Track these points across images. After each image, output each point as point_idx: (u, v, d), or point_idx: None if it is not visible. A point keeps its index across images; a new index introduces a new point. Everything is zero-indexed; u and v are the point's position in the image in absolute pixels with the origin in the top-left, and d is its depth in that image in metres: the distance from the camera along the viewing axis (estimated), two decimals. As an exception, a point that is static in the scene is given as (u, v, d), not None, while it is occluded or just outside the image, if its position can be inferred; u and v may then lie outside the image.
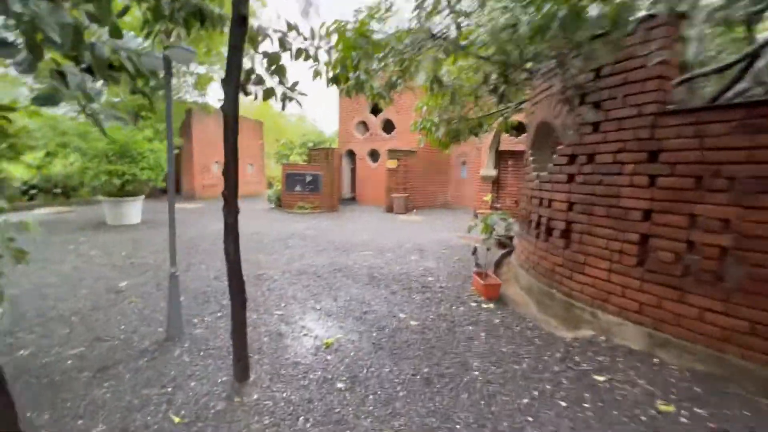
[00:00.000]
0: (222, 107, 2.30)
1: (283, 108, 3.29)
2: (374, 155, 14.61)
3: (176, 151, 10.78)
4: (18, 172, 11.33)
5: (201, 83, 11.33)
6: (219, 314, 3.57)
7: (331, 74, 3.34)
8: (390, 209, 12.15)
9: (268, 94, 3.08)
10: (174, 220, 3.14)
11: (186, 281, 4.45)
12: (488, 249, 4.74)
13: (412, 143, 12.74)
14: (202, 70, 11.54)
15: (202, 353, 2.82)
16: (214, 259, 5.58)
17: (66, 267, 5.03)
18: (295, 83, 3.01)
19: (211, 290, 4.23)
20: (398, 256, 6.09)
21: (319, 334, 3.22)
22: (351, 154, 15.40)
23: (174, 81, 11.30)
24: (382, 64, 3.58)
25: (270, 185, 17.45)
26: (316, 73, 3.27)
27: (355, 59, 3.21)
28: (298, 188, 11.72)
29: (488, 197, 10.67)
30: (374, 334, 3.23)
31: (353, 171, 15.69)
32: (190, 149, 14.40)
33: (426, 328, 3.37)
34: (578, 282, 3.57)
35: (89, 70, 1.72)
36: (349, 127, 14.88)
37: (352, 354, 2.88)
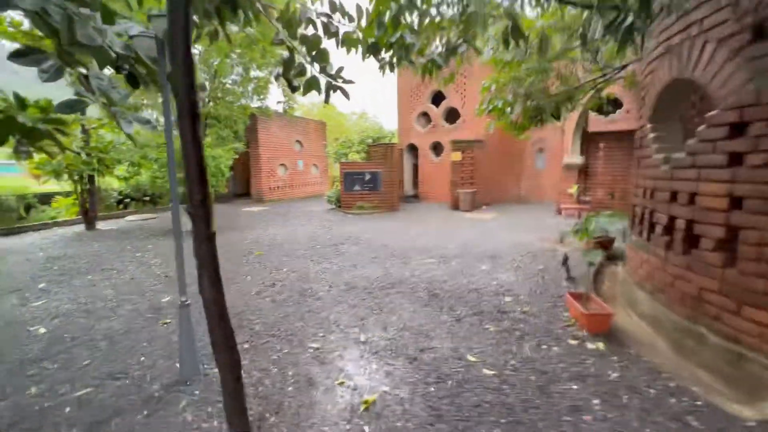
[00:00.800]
0: (169, 76, 1.60)
1: (327, 100, 2.64)
2: (437, 148, 13.54)
3: (235, 156, 10.99)
4: (115, 184, 12.70)
5: (259, 88, 11.44)
6: (246, 345, 3.01)
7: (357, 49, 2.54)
8: (455, 206, 11.03)
9: (311, 85, 2.44)
10: (180, 232, 2.62)
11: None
12: (591, 264, 3.51)
13: (479, 132, 11.43)
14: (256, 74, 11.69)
15: (210, 408, 2.23)
16: (263, 269, 5.20)
17: (125, 277, 5.03)
18: (340, 69, 2.37)
19: (248, 310, 3.75)
20: (466, 266, 5.09)
21: (359, 383, 2.45)
22: (412, 149, 14.53)
23: (237, 87, 11.60)
24: (434, 17, 2.64)
25: (333, 184, 17.41)
26: (351, 42, 2.50)
27: (394, 11, 2.34)
28: (356, 187, 11.23)
29: (573, 189, 8.97)
30: (431, 390, 2.35)
31: (415, 167, 14.80)
32: (257, 153, 14.87)
33: (506, 383, 2.40)
34: (754, 321, 2.27)
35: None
36: (410, 119, 14.01)
37: (398, 425, 2.05)
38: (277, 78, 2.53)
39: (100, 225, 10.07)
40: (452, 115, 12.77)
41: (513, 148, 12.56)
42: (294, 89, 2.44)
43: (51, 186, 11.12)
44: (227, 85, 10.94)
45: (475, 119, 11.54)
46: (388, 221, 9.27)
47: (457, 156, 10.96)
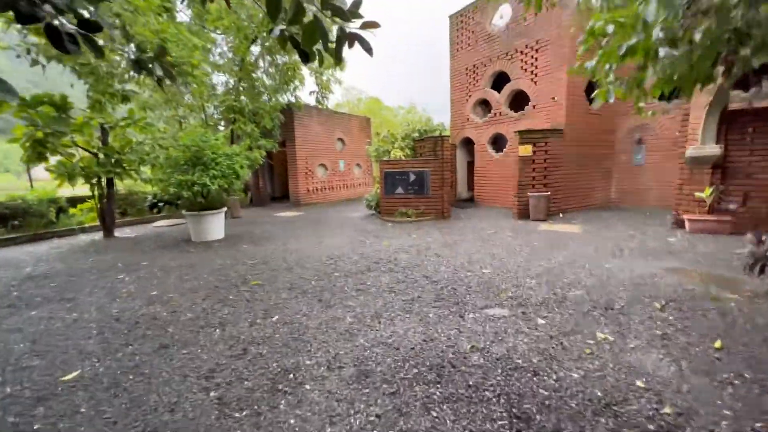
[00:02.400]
0: None
1: (339, 57, 1.73)
2: (498, 142, 11.21)
3: (262, 156, 9.73)
4: (148, 187, 12.20)
5: (287, 77, 10.05)
6: None
7: None
8: (523, 214, 8.70)
9: (311, 34, 1.56)
10: None
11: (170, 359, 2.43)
12: None
13: (554, 120, 8.97)
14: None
15: None
16: (248, 312, 3.56)
17: (72, 316, 3.69)
18: (356, 3, 1.58)
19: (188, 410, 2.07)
20: (565, 329, 2.98)
21: None
22: (467, 144, 12.33)
23: (263, 77, 10.34)
24: None
25: (375, 185, 15.73)
26: None
27: None
28: (399, 190, 9.38)
29: (707, 193, 6.24)
30: None
31: (470, 165, 12.57)
32: (293, 152, 13.68)
33: None
34: None
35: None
36: (464, 108, 11.82)
37: None
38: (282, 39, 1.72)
39: (125, 231, 9.36)
40: (519, 100, 10.38)
41: (600, 139, 9.83)
42: (306, 57, 1.73)
43: (84, 189, 10.84)
44: (254, 75, 9.71)
45: (548, 104, 9.09)
46: (435, 234, 7.28)
47: (526, 150, 8.62)
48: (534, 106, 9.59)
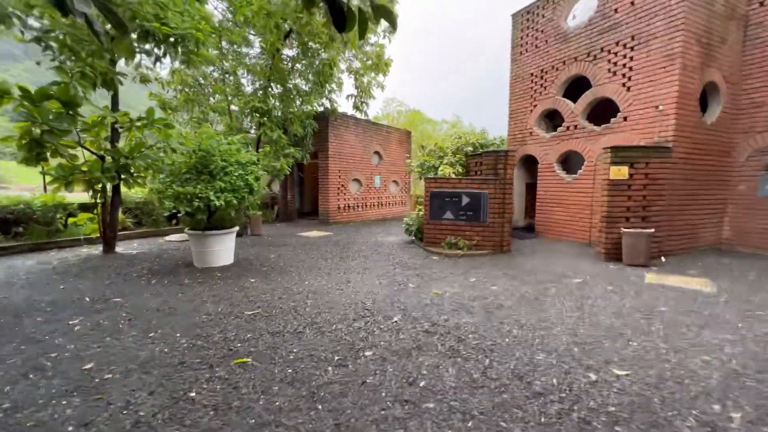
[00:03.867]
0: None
1: (362, 34, 1.58)
2: (568, 162, 9.22)
3: (290, 165, 8.41)
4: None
5: (323, 75, 8.70)
6: None
7: None
8: (612, 255, 6.62)
9: None
10: None
11: None
12: None
13: (657, 133, 6.95)
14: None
15: None
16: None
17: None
18: None
19: None
20: None
21: None
22: (526, 162, 10.40)
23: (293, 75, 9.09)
24: None
25: (416, 206, 14.04)
26: None
27: None
28: (448, 215, 7.62)
29: None
30: None
31: (530, 187, 10.60)
32: (326, 164, 12.35)
33: None
34: None
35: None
36: (526, 121, 9.97)
37: None
38: None
39: (132, 245, 8.27)
40: (601, 112, 8.41)
41: (715, 162, 7.60)
42: (342, 20, 1.50)
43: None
44: (286, 75, 8.46)
45: (646, 115, 7.09)
46: (501, 280, 5.41)
47: (620, 172, 6.60)
48: (625, 118, 7.58)
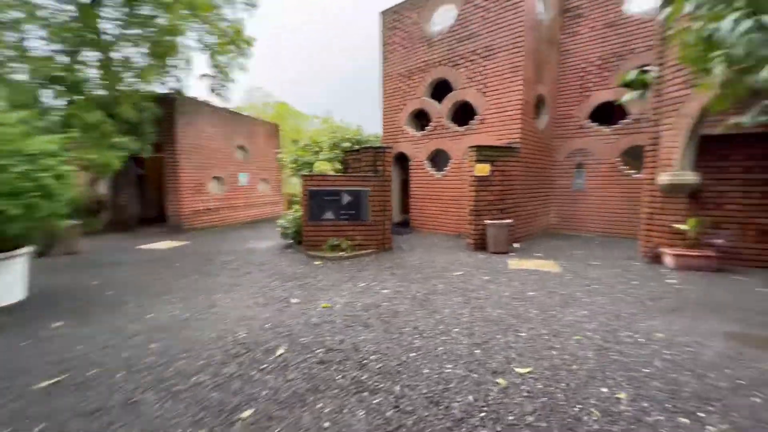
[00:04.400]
0: None
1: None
2: (437, 159, 9.85)
3: (121, 159, 6.51)
4: None
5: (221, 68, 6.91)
6: None
7: None
8: (480, 245, 7.27)
9: None
10: None
11: None
12: None
13: (505, 136, 7.91)
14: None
15: None
16: None
17: None
18: None
19: None
20: None
21: None
22: (400, 160, 10.71)
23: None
24: None
25: (291, 206, 12.92)
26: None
27: None
28: (328, 215, 7.07)
29: (691, 224, 5.58)
30: None
31: (404, 184, 10.98)
32: (174, 159, 10.15)
33: None
34: None
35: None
36: (398, 119, 10.23)
37: None
38: None
39: None
40: (464, 114, 9.20)
41: (545, 161, 9.20)
42: None
43: None
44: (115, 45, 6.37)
45: (499, 119, 8.02)
46: (390, 281, 5.19)
47: (484, 170, 7.27)
48: (482, 121, 8.44)
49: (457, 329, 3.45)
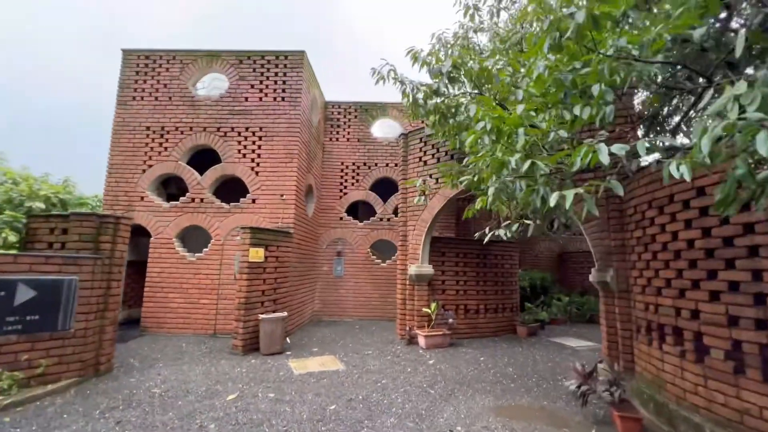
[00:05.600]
0: None
1: None
2: (188, 238, 7.97)
3: None
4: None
5: None
6: None
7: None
8: (249, 346, 5.95)
9: None
10: None
11: None
12: None
13: (282, 220, 7.55)
14: None
15: None
16: None
17: None
18: None
19: None
20: None
21: None
22: (132, 234, 7.91)
23: None
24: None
25: None
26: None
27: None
28: (-28, 328, 3.79)
29: (433, 308, 6.78)
30: None
31: (137, 267, 8.04)
32: None
33: None
34: None
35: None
36: (136, 182, 7.76)
37: None
38: None
39: None
40: (232, 188, 8.11)
41: (312, 249, 9.29)
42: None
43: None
44: None
45: (272, 201, 7.66)
46: (116, 439, 3.06)
47: (258, 254, 6.31)
48: (254, 200, 7.69)
49: None
